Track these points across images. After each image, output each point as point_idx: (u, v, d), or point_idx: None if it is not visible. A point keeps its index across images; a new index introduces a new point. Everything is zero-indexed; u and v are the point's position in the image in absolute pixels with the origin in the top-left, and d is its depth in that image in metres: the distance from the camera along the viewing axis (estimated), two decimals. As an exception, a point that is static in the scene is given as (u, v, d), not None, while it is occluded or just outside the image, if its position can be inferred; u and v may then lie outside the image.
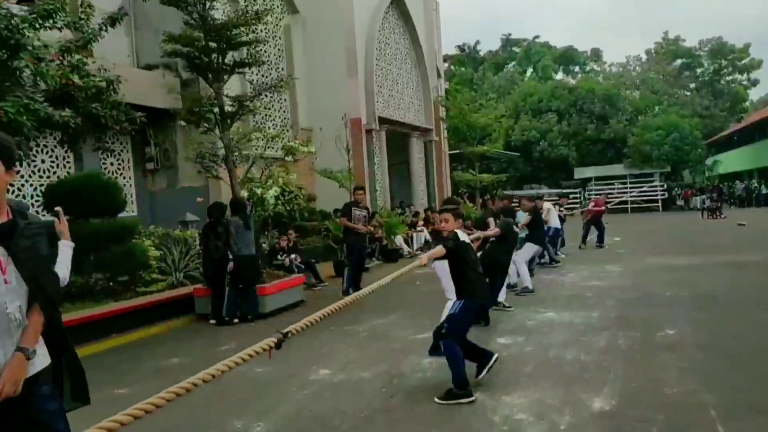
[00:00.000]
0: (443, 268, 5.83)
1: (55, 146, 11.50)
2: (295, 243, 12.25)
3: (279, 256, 11.10)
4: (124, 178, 13.32)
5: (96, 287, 9.01)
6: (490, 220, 8.53)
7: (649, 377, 5.15)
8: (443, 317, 5.60)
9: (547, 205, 13.38)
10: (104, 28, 8.35)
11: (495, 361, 5.16)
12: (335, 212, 14.25)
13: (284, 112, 16.43)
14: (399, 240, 16.26)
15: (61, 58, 7.82)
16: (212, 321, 8.76)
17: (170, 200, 13.41)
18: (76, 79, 7.96)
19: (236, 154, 9.80)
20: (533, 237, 10.08)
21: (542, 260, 12.52)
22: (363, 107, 17.67)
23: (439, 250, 4.88)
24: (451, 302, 5.67)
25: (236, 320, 8.75)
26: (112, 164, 13.01)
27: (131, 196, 13.39)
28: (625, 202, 34.25)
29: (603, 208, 17.01)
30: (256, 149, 13.03)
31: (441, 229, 5.28)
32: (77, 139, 8.56)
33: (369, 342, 7.04)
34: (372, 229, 10.54)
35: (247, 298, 8.80)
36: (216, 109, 9.76)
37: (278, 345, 2.71)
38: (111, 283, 9.25)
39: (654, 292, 9.13)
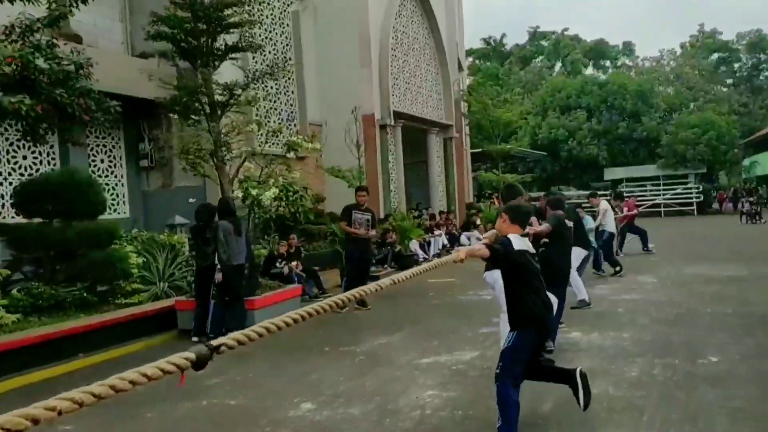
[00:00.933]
0: (498, 281, 4.83)
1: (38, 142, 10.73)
2: (297, 248, 11.29)
3: (277, 264, 10.12)
4: (116, 176, 12.49)
5: (67, 299, 8.13)
6: (534, 219, 7.07)
7: (693, 421, 4.14)
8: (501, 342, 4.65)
9: (603, 204, 12.10)
10: (74, 4, 7.44)
11: (582, 378, 3.95)
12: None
13: (291, 105, 15.50)
14: (414, 245, 15.21)
15: (23, 37, 6.98)
16: (195, 338, 7.82)
17: (165, 201, 12.56)
18: (39, 62, 7.13)
19: (224, 149, 8.87)
20: (577, 240, 8.72)
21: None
22: (377, 100, 16.63)
23: (482, 250, 3.74)
24: (504, 324, 4.68)
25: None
26: (102, 161, 12.19)
27: (123, 196, 12.63)
28: (658, 205, 32.73)
29: (636, 211, 15.66)
30: (260, 145, 12.20)
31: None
32: (47, 131, 7.74)
33: (365, 368, 6.05)
34: (375, 233, 9.53)
35: (233, 312, 7.86)
36: (205, 99, 8.85)
37: (199, 364, 1.74)
38: (85, 294, 8.37)
39: (694, 308, 7.99)
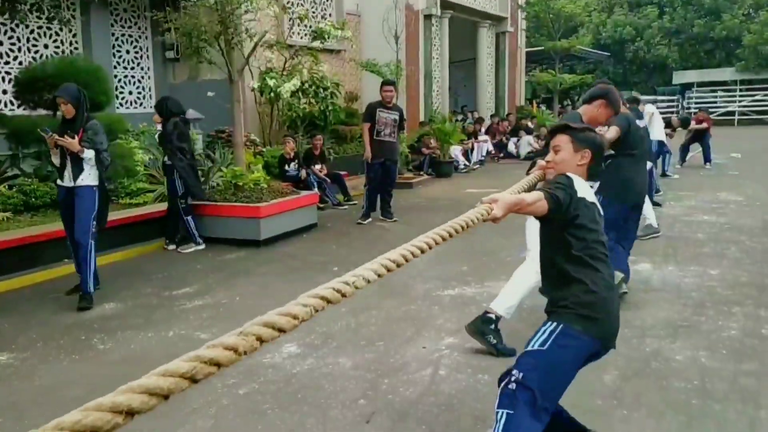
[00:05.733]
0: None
1: (61, 28, 9.67)
2: (322, 151, 10.04)
3: (287, 167, 8.89)
4: (143, 68, 11.54)
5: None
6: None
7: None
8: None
9: (650, 108, 10.25)
10: None
11: None
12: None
13: (327, -8, 13.76)
14: (456, 151, 13.71)
15: None
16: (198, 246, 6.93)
17: (191, 94, 11.47)
18: None
19: (232, 31, 7.48)
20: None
21: None
22: (421, -13, 14.70)
23: (538, 202, 2.15)
24: (529, 270, 3.38)
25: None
26: (128, 52, 11.19)
27: (150, 90, 11.70)
28: (732, 113, 29.80)
29: (706, 125, 13.11)
30: (289, 35, 10.75)
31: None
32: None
33: (373, 298, 4.86)
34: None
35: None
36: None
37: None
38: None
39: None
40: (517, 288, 3.69)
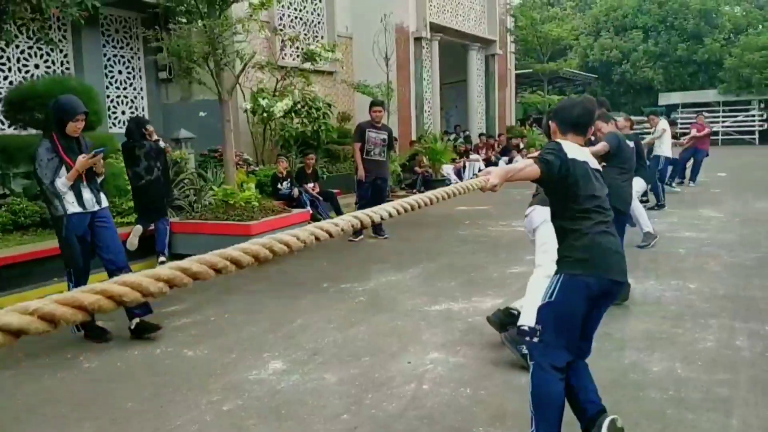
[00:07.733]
0: (542, 217, 3.55)
1: (52, 48, 9.77)
2: (315, 170, 10.15)
3: (279, 186, 9.00)
4: (135, 89, 11.65)
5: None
6: None
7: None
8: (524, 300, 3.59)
9: (662, 124, 10.49)
10: None
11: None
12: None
13: (318, 14, 13.98)
14: (448, 169, 13.90)
15: None
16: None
17: (184, 114, 11.64)
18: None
19: (221, 52, 7.62)
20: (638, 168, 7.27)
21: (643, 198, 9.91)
22: (412, 10, 14.95)
23: (528, 168, 2.36)
24: (538, 277, 3.53)
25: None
26: (120, 72, 11.31)
27: (143, 110, 11.82)
28: (716, 133, 30.43)
29: (708, 130, 13.06)
30: (281, 57, 10.93)
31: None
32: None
33: (362, 313, 4.95)
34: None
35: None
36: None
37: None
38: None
39: (774, 251, 6.58)
40: (535, 297, 3.77)
